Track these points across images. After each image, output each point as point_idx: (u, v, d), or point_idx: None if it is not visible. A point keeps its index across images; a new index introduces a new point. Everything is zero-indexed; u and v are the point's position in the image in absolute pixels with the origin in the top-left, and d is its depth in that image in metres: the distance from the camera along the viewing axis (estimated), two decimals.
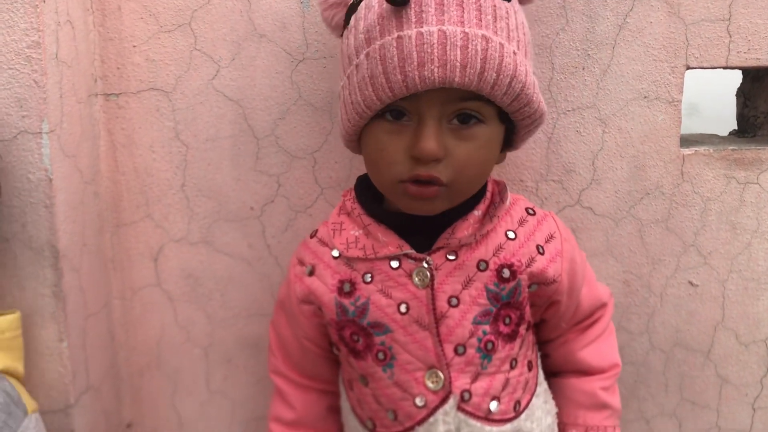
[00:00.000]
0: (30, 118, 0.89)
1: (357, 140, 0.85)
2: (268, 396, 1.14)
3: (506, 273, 0.85)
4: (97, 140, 1.06)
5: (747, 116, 1.20)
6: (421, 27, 0.72)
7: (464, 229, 0.84)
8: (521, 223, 0.88)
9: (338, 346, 0.91)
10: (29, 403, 0.86)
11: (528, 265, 0.86)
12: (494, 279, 0.85)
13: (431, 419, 0.84)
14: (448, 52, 0.71)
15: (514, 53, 0.75)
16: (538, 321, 0.95)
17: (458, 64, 0.71)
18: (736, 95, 1.22)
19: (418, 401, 0.85)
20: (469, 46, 0.72)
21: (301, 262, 0.91)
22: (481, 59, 0.72)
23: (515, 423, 0.87)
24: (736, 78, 1.21)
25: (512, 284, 0.85)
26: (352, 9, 0.81)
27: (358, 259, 0.86)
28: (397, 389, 0.86)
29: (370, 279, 0.85)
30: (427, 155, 0.75)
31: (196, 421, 1.17)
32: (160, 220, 1.09)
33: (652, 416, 1.18)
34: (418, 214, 0.83)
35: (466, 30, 0.72)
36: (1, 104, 0.88)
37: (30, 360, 0.95)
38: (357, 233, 0.87)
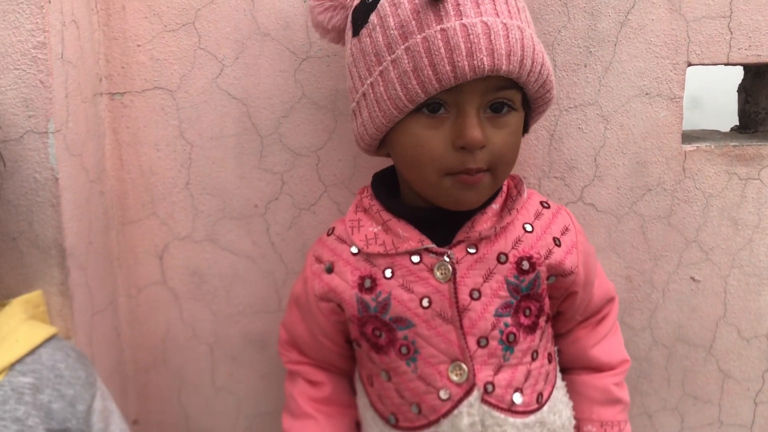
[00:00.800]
0: (36, 118, 0.90)
1: (379, 141, 0.86)
2: (273, 392, 1.16)
3: (526, 265, 0.86)
4: (103, 139, 1.07)
5: (748, 112, 1.20)
6: (462, 19, 0.75)
7: (483, 222, 0.86)
8: (537, 216, 0.90)
9: (359, 342, 0.91)
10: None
11: (546, 257, 0.88)
12: (514, 271, 0.86)
13: (455, 412, 0.85)
14: (493, 41, 0.75)
15: (539, 41, 0.80)
16: (554, 314, 0.96)
17: (503, 52, 0.75)
18: (737, 91, 1.23)
19: (443, 394, 0.86)
20: (510, 35, 0.75)
21: (319, 260, 0.92)
22: (520, 47, 0.76)
23: (539, 415, 0.88)
24: (739, 72, 1.21)
25: (532, 276, 0.87)
26: (366, 8, 0.81)
27: (379, 255, 0.87)
28: (421, 383, 0.87)
29: (390, 274, 0.86)
30: (475, 144, 0.77)
31: (201, 417, 1.18)
32: (165, 218, 1.10)
33: (654, 411, 1.18)
34: (456, 209, 0.84)
35: (504, 21, 0.76)
36: (8, 104, 0.89)
37: None
38: (376, 230, 0.88)
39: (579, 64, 1.05)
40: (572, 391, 0.98)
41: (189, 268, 1.12)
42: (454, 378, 0.85)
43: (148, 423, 1.18)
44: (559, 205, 0.94)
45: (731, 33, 1.05)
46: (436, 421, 0.86)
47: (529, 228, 0.88)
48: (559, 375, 0.96)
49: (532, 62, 0.77)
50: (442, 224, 0.86)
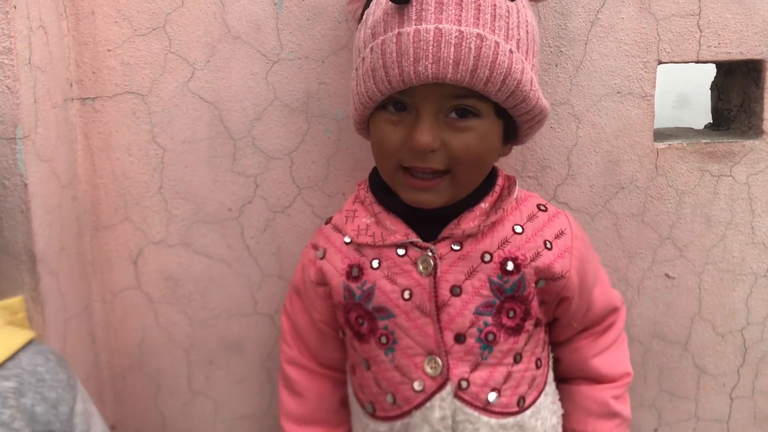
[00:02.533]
0: (3, 124, 0.89)
1: (366, 128, 0.90)
2: (251, 395, 1.16)
3: (510, 266, 0.87)
4: (74, 144, 1.06)
5: (721, 109, 1.21)
6: (420, 24, 0.76)
7: (470, 221, 0.87)
8: (530, 218, 0.90)
9: (344, 329, 0.94)
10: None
11: (533, 260, 0.87)
12: (498, 271, 0.87)
13: (428, 404, 0.87)
14: (441, 49, 0.75)
15: (511, 51, 0.77)
16: (550, 319, 0.96)
17: (451, 61, 0.75)
18: (710, 89, 1.23)
19: (416, 386, 0.87)
20: (463, 44, 0.75)
21: (315, 247, 0.95)
22: (474, 57, 0.75)
23: (518, 418, 0.88)
24: None
25: (516, 277, 0.87)
26: (367, 4, 0.86)
27: (367, 246, 0.90)
28: (397, 373, 0.88)
29: (377, 265, 0.88)
30: (421, 147, 0.79)
31: (179, 421, 1.18)
32: (138, 222, 1.10)
33: (631, 407, 1.18)
34: (417, 206, 0.86)
35: (462, 28, 0.75)
36: None
37: None
38: (368, 221, 0.91)
39: (550, 64, 1.06)
40: (569, 401, 0.98)
41: (164, 273, 1.12)
42: (429, 371, 0.87)
43: (126, 428, 1.17)
44: (560, 210, 0.94)
45: (701, 31, 1.06)
46: (409, 413, 0.88)
47: (519, 229, 0.89)
48: (550, 382, 0.95)
49: (491, 72, 0.76)
50: (431, 221, 0.88)
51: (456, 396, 0.86)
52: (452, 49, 0.75)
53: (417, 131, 0.79)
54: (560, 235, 0.90)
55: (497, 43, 0.76)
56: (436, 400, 0.86)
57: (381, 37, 0.79)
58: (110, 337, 1.14)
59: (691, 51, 1.07)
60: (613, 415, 0.97)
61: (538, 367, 0.92)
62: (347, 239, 0.91)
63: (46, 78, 0.96)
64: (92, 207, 1.09)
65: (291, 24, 1.04)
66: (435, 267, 0.86)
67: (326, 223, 0.97)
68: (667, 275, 1.14)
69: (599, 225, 1.11)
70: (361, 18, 0.87)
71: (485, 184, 0.89)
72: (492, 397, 0.87)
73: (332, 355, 0.99)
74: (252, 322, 1.14)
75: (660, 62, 1.07)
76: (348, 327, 0.92)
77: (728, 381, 1.19)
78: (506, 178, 0.92)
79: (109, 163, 1.08)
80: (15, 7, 0.88)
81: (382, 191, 0.91)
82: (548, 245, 0.89)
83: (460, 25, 0.76)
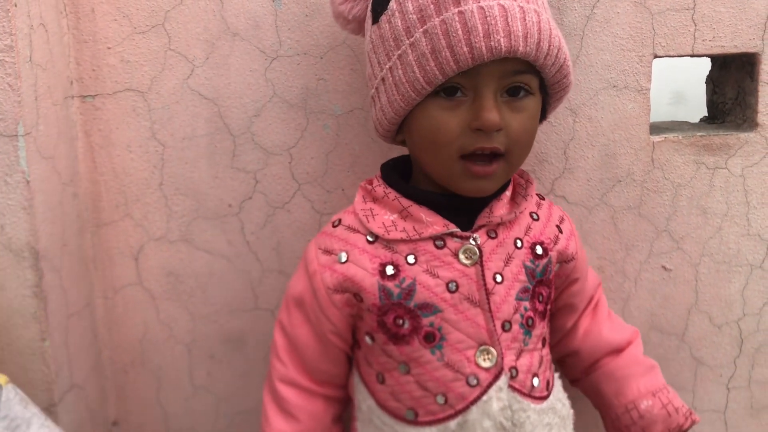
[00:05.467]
0: (5, 122, 0.90)
1: (397, 127, 0.87)
2: (252, 390, 1.16)
3: (539, 249, 0.89)
4: (75, 141, 1.07)
5: (716, 103, 1.22)
6: (480, 2, 0.76)
7: (500, 208, 0.88)
8: (539, 206, 0.94)
9: (373, 335, 0.88)
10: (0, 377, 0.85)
11: (555, 242, 0.91)
12: (530, 256, 0.88)
13: (485, 397, 0.84)
14: (510, 24, 0.76)
15: (556, 26, 0.81)
16: (561, 305, 0.99)
17: (520, 34, 0.76)
18: (705, 82, 1.24)
19: (471, 380, 0.84)
20: (527, 18, 0.77)
21: (328, 252, 0.88)
22: (537, 30, 0.77)
23: (550, 401, 0.89)
24: None
25: (545, 261, 0.90)
26: (378, 2, 0.84)
27: (401, 241, 0.86)
28: (448, 370, 0.85)
29: (414, 260, 0.85)
30: (491, 125, 0.79)
31: (181, 416, 1.18)
32: (139, 219, 1.10)
33: None
34: (472, 196, 0.85)
35: (521, 4, 0.77)
36: None
37: (13, 360, 0.97)
38: (392, 217, 0.87)
39: None
40: (610, 380, 0.98)
41: (165, 269, 1.12)
42: (483, 363, 0.84)
43: (128, 423, 1.18)
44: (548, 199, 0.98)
45: (695, 25, 1.07)
46: (464, 410, 0.84)
47: (535, 216, 0.92)
48: (553, 366, 0.97)
49: (549, 45, 0.79)
50: (458, 210, 0.87)
51: (509, 385, 0.85)
52: (518, 23, 0.76)
53: (484, 110, 0.79)
54: (562, 220, 0.95)
55: (548, 19, 0.80)
56: (493, 392, 0.84)
57: (437, 18, 0.77)
58: (112, 333, 1.15)
59: (686, 45, 1.08)
60: (651, 367, 1.00)
61: (550, 351, 0.95)
62: (370, 238, 0.87)
63: (46, 75, 0.97)
64: (93, 204, 1.10)
65: (289, 20, 1.05)
66: (480, 256, 0.86)
67: (334, 225, 0.90)
68: (663, 267, 1.15)
69: (596, 218, 1.12)
70: (378, 12, 0.84)
71: None
72: (536, 382, 0.87)
73: (332, 370, 0.94)
74: (253, 317, 1.14)
75: (655, 56, 1.08)
76: (382, 331, 0.86)
77: (725, 372, 1.20)
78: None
79: (109, 160, 1.08)
80: (16, 5, 0.88)
81: (406, 185, 0.89)
82: (560, 229, 0.93)
83: (517, 1, 0.77)
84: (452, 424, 0.85)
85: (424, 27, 0.78)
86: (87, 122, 1.07)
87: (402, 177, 0.91)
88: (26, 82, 0.91)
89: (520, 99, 0.82)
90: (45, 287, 0.96)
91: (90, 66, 1.06)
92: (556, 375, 0.97)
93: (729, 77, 1.17)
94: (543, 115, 0.91)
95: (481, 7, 0.75)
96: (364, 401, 0.92)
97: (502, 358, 0.85)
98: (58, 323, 0.99)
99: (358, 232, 0.88)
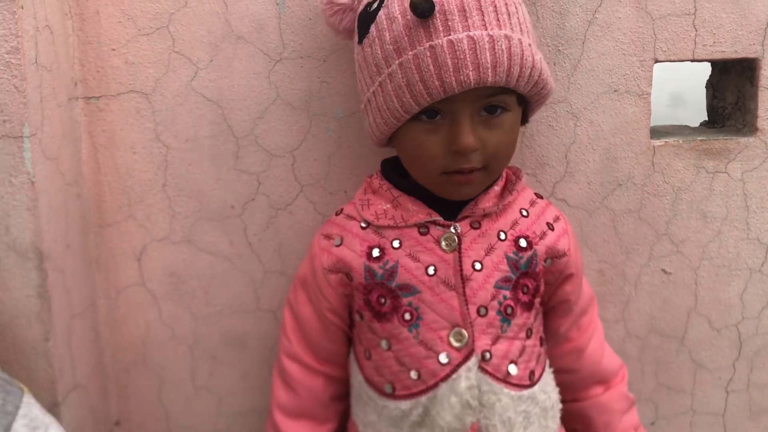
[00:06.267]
0: (11, 123, 0.90)
1: (387, 138, 0.92)
2: (254, 390, 1.17)
3: (523, 242, 0.93)
4: (79, 143, 1.07)
5: (716, 107, 1.23)
6: (450, 35, 0.79)
7: (486, 201, 0.92)
8: (532, 204, 0.97)
9: (362, 313, 0.94)
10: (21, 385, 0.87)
11: (541, 238, 0.94)
12: (513, 248, 0.92)
13: (454, 375, 0.88)
14: (478, 56, 0.79)
15: (529, 45, 0.83)
16: (556, 303, 1.00)
17: (489, 65, 0.79)
18: (705, 87, 1.25)
19: (442, 358, 0.89)
20: (495, 47, 0.80)
21: (328, 236, 0.96)
22: (507, 57, 0.80)
23: (531, 390, 0.92)
24: None
25: (529, 253, 0.93)
26: (368, 17, 0.88)
27: (388, 228, 0.93)
28: (422, 347, 0.90)
29: (398, 245, 0.92)
30: (466, 149, 0.84)
31: (182, 416, 1.19)
32: (142, 220, 1.11)
33: None
34: (455, 200, 0.91)
35: (490, 33, 0.80)
36: None
37: (16, 360, 0.97)
38: (386, 207, 0.94)
39: (549, 63, 1.07)
40: (602, 413, 1.03)
41: (167, 270, 1.13)
42: (455, 343, 0.89)
43: (130, 423, 1.19)
44: (548, 201, 1.01)
45: (696, 30, 1.08)
46: (435, 386, 0.89)
47: (525, 213, 0.95)
48: (547, 361, 0.99)
49: (521, 68, 0.81)
50: (447, 202, 0.92)
51: (480, 368, 0.89)
52: (488, 54, 0.79)
53: (460, 135, 0.83)
54: (557, 219, 0.98)
55: (520, 41, 0.82)
56: (462, 371, 0.88)
57: (410, 52, 0.81)
58: (114, 334, 1.15)
59: (687, 50, 1.08)
60: (632, 403, 1.06)
61: (541, 344, 0.97)
62: (363, 224, 0.94)
63: (51, 77, 0.97)
64: (96, 205, 1.11)
65: (293, 23, 1.05)
66: (459, 243, 0.90)
67: (336, 214, 0.99)
68: (663, 271, 1.16)
69: (597, 221, 1.13)
70: (363, 31, 0.88)
71: None
72: (512, 368, 0.90)
73: (331, 346, 1.00)
74: (254, 318, 1.15)
75: (656, 61, 1.08)
76: (367, 309, 0.93)
77: (724, 375, 1.21)
78: (509, 168, 0.98)
79: (113, 161, 1.09)
80: (22, 8, 0.89)
81: (397, 178, 0.95)
82: (551, 227, 0.96)
83: (487, 30, 0.80)
84: (424, 398, 0.90)
85: (400, 60, 0.83)
86: (91, 123, 1.08)
87: (400, 172, 0.96)
88: (32, 84, 0.92)
89: (497, 116, 0.86)
90: (49, 288, 0.96)
91: (94, 68, 1.06)
92: (549, 369, 0.99)
93: (729, 82, 1.18)
94: (525, 119, 0.96)
95: (451, 41, 0.79)
96: (355, 377, 0.99)
97: (473, 341, 0.89)
98: (61, 323, 1.00)
99: (354, 219, 0.96)
